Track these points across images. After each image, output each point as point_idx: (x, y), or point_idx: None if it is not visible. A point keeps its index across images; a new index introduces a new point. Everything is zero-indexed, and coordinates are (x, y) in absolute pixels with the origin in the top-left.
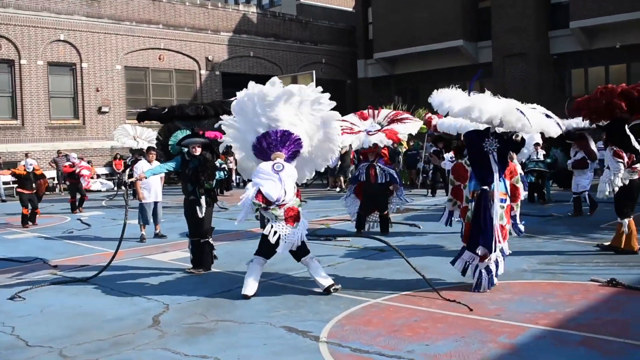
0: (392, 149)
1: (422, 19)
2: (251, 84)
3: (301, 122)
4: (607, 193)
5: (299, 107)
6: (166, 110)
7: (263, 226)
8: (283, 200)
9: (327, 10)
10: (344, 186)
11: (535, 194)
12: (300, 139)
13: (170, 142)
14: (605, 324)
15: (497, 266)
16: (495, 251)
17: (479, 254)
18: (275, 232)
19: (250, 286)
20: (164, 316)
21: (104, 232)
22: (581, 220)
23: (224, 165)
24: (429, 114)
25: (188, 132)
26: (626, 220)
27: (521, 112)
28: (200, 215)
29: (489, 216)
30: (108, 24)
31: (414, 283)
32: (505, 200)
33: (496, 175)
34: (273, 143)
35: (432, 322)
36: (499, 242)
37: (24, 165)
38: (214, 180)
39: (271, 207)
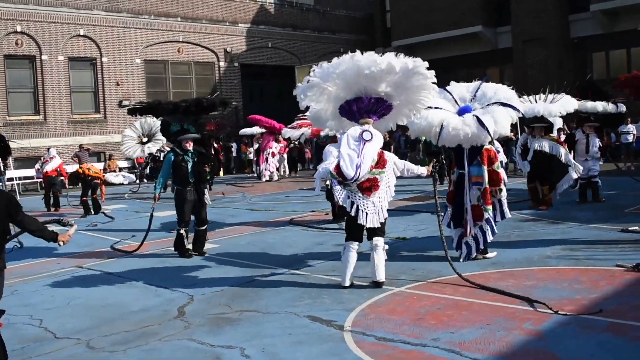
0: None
1: (439, 5)
2: (356, 54)
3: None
4: None
5: (400, 80)
6: (158, 103)
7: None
8: (357, 179)
9: None
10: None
11: None
12: (392, 105)
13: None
14: (631, 309)
15: (476, 242)
16: (464, 227)
17: (451, 229)
18: (352, 203)
19: (346, 277)
20: (189, 307)
21: (127, 225)
22: (605, 205)
23: None
24: None
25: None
26: None
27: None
28: (208, 203)
29: (459, 197)
30: (127, 18)
31: (437, 271)
32: (482, 183)
33: (466, 162)
34: (365, 109)
35: (456, 310)
36: (477, 220)
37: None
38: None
39: (346, 183)
